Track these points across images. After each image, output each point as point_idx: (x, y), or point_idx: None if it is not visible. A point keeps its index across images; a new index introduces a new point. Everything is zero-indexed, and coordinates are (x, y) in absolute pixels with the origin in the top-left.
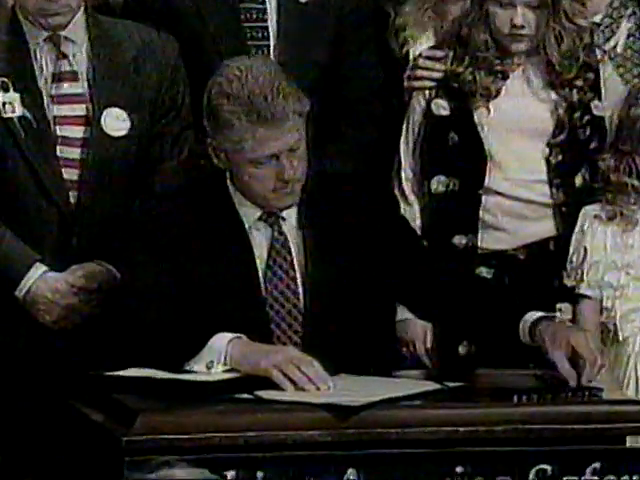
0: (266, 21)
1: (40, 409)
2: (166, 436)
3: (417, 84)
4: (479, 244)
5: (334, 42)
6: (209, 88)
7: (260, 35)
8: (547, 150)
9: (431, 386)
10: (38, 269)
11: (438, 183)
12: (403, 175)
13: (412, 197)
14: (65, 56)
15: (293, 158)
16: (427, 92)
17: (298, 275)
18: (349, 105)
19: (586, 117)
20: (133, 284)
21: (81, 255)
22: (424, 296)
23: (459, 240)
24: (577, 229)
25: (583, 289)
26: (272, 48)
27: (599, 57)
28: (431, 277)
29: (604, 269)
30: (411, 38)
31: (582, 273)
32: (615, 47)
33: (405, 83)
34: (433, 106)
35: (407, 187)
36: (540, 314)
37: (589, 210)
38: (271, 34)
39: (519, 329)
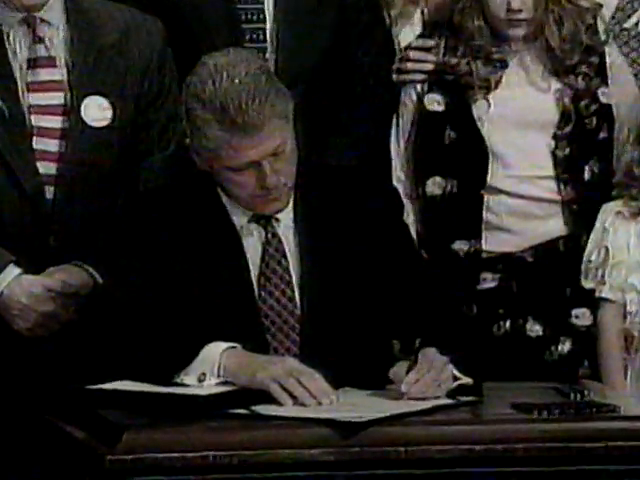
0: (262, 2)
1: (16, 426)
2: (154, 455)
3: (407, 78)
4: (483, 247)
5: (336, 25)
6: (185, 86)
7: (256, 17)
8: (553, 143)
9: (442, 400)
10: (12, 271)
11: (434, 185)
12: (394, 177)
13: (405, 201)
14: (41, 40)
15: (276, 163)
16: (418, 86)
17: (294, 280)
18: (352, 94)
19: (593, 106)
20: (116, 288)
21: (59, 256)
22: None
23: (460, 246)
24: (597, 227)
25: (605, 292)
26: (268, 32)
27: (603, 39)
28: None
29: (627, 270)
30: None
31: (603, 275)
32: (637, 24)
33: (394, 76)
34: (426, 101)
35: (399, 190)
36: None
37: (610, 206)
38: (267, 16)
39: None
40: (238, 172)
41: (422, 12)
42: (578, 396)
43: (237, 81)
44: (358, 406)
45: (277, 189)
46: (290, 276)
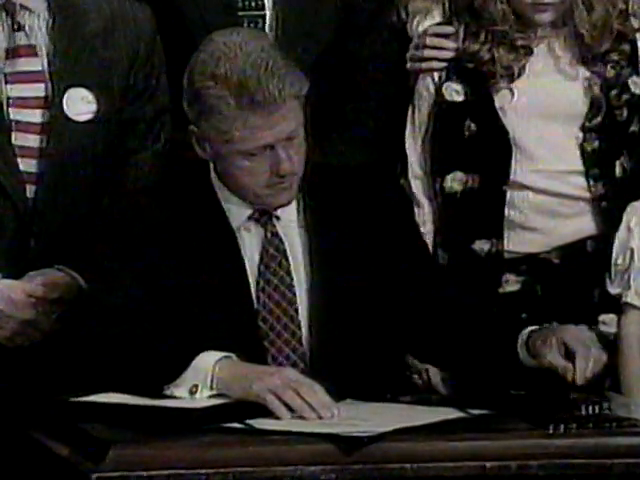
0: None
1: None
2: (142, 472)
3: (424, 66)
4: (505, 247)
5: (341, 13)
6: (191, 67)
7: (254, 4)
8: (581, 135)
9: (452, 414)
10: None
11: (453, 180)
12: (410, 173)
13: (422, 198)
14: (21, 28)
15: (290, 148)
16: (436, 75)
17: (296, 283)
18: (358, 87)
19: (624, 96)
20: (101, 294)
21: (40, 259)
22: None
23: (481, 246)
24: (622, 228)
25: (630, 297)
26: (268, 20)
27: (636, 26)
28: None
29: None
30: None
31: (628, 279)
32: None
33: (408, 65)
34: (445, 91)
35: (415, 187)
36: (533, 327)
37: (636, 206)
38: (267, 4)
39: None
40: (250, 157)
41: (443, 4)
42: (596, 409)
43: (254, 56)
44: (362, 420)
45: (289, 177)
46: (291, 278)
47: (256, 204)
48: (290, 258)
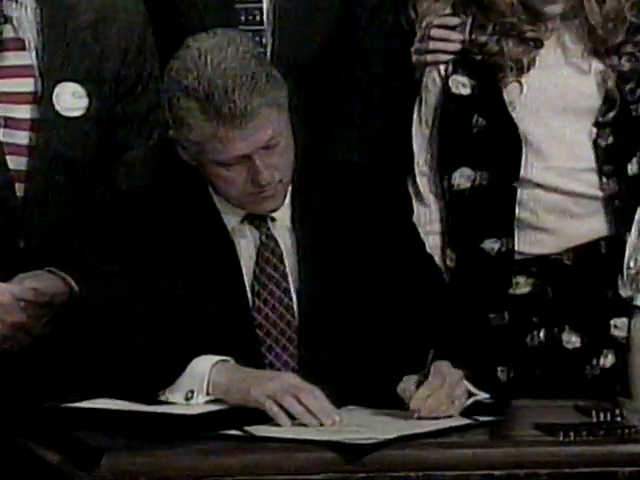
0: None
1: None
2: None
3: (430, 58)
4: (515, 248)
5: (342, 5)
6: (167, 71)
7: None
8: (594, 131)
9: (459, 420)
10: None
11: (461, 177)
12: (417, 170)
13: (429, 196)
14: (8, 20)
15: (270, 157)
16: (442, 68)
17: (292, 287)
18: (358, 83)
19: (639, 90)
20: (93, 297)
21: (30, 261)
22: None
23: (490, 245)
24: (634, 228)
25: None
26: (265, 12)
27: None
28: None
29: None
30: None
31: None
32: None
33: (414, 58)
34: (452, 84)
35: (422, 184)
36: None
37: None
38: None
39: None
40: (227, 167)
41: (453, 5)
42: (608, 416)
43: (223, 66)
44: (364, 427)
45: (271, 186)
46: (287, 282)
47: (243, 209)
48: (286, 261)
